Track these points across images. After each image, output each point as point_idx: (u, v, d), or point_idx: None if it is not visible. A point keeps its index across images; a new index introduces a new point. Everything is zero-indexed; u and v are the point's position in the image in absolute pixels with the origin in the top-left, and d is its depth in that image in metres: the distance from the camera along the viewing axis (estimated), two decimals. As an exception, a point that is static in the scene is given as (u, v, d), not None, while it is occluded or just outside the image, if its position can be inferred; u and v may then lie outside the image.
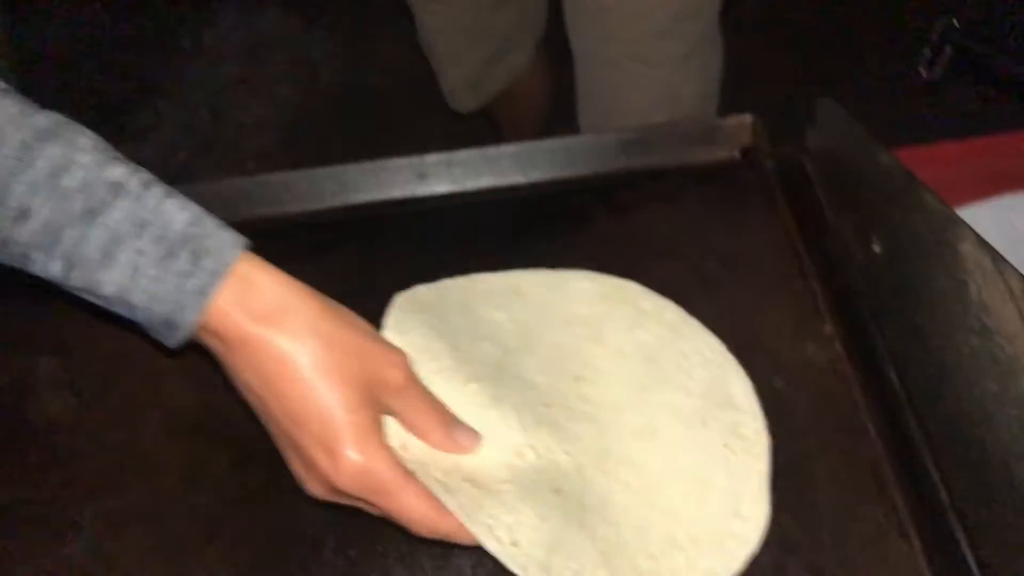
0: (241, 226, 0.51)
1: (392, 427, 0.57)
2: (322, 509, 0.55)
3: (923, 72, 0.92)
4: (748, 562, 0.57)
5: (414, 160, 0.77)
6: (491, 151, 0.78)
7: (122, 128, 1.90)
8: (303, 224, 0.75)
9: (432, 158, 0.77)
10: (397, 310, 0.64)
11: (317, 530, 0.59)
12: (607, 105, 1.09)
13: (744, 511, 0.58)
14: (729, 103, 0.93)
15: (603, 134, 0.79)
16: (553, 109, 1.49)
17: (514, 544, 0.55)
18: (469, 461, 0.58)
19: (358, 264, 0.72)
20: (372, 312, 0.66)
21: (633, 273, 0.70)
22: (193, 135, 1.92)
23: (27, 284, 0.70)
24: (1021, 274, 0.48)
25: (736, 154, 0.77)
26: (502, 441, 0.59)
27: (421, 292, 0.67)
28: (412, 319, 0.64)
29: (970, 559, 0.54)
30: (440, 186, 0.77)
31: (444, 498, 0.55)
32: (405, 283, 0.65)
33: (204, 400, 0.64)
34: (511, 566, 0.55)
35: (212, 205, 0.72)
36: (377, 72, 1.99)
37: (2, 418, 0.64)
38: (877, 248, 0.63)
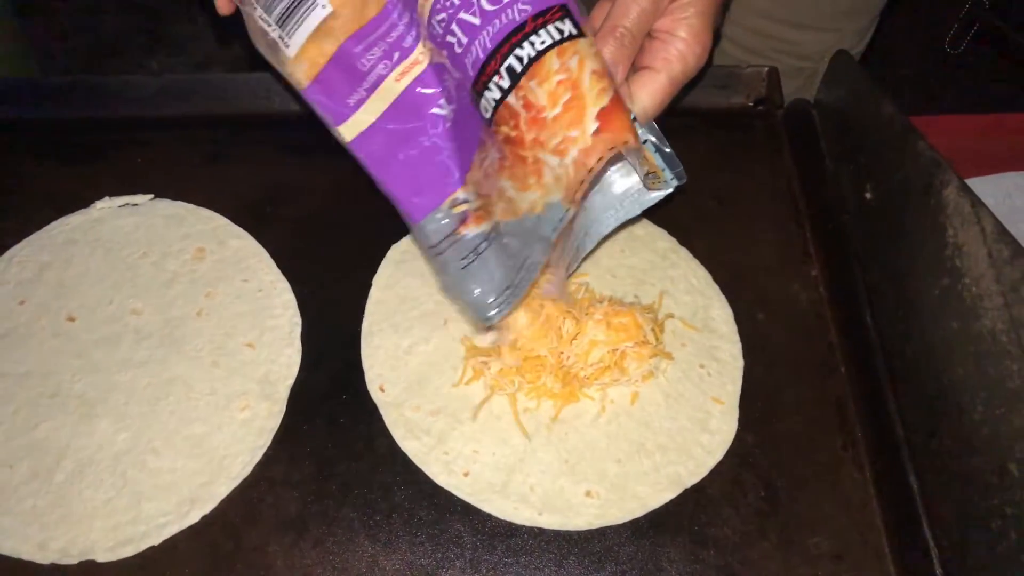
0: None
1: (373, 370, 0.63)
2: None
3: (948, 46, 0.94)
4: (709, 472, 0.60)
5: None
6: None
7: (159, 36, 1.92)
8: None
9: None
10: (389, 264, 0.69)
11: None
12: None
13: (712, 426, 0.62)
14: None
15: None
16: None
17: (466, 474, 0.60)
18: (442, 392, 0.63)
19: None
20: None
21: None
22: (230, 51, 1.94)
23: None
24: (995, 217, 0.51)
25: (749, 102, 0.80)
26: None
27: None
28: (403, 269, 0.69)
29: (914, 488, 0.57)
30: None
31: (405, 442, 0.61)
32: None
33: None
34: (461, 496, 0.59)
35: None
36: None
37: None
38: (870, 195, 0.65)
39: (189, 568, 0.57)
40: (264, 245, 0.70)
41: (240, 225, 0.71)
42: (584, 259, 0.64)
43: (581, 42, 0.50)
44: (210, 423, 0.62)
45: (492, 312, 0.56)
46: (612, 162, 0.56)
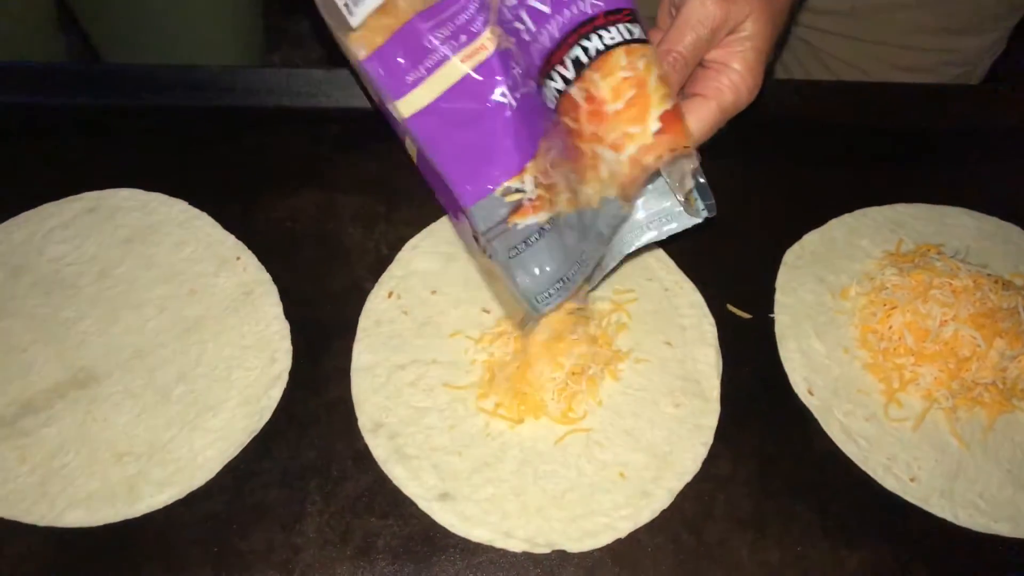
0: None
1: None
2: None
3: None
4: None
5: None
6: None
7: (284, 31, 1.93)
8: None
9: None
10: (787, 268, 0.70)
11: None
12: None
13: None
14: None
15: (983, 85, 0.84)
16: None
17: (913, 480, 0.60)
18: (871, 397, 0.64)
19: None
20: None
21: (1007, 216, 0.74)
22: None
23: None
24: None
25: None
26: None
27: (809, 241, 0.72)
28: (801, 273, 0.70)
29: None
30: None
31: (845, 446, 0.61)
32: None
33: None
34: (912, 500, 0.60)
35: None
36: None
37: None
38: None
39: (658, 559, 0.57)
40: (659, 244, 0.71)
41: (630, 224, 0.72)
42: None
43: (649, 47, 0.51)
44: (644, 418, 0.62)
45: (539, 303, 0.55)
46: (648, 181, 0.55)
